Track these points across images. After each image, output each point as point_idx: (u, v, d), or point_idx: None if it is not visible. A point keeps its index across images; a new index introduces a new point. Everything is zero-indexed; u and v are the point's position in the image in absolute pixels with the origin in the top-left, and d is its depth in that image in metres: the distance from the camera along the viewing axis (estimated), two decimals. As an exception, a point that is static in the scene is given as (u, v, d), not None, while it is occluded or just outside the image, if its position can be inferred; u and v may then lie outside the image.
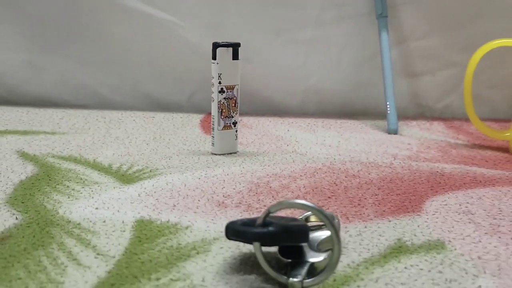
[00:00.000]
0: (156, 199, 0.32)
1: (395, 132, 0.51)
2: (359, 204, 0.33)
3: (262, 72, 0.57)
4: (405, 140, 0.49)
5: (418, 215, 0.31)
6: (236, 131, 0.43)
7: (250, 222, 0.23)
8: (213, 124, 0.42)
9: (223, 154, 0.42)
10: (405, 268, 0.25)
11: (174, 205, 0.32)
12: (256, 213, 0.31)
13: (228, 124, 0.42)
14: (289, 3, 0.55)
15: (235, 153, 0.43)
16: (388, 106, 0.52)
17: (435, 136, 0.51)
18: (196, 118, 0.55)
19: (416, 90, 0.58)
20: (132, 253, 0.25)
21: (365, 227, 0.29)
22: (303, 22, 0.56)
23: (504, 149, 0.46)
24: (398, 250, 0.27)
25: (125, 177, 0.36)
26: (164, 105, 0.58)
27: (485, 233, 0.29)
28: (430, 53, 0.56)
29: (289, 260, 0.24)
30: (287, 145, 0.46)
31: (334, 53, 0.57)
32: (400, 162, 0.41)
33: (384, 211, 0.32)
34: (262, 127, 0.52)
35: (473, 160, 0.43)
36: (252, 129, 0.51)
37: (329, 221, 0.22)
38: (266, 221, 0.23)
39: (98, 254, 0.25)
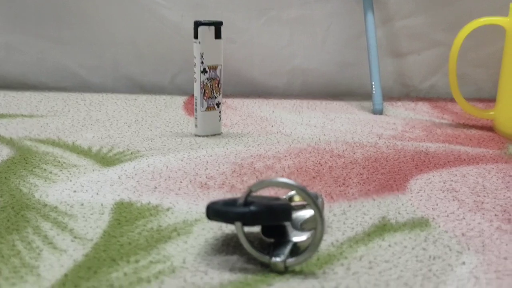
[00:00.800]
0: (137, 181, 0.32)
1: (380, 112, 0.51)
2: (343, 184, 0.32)
3: (246, 52, 0.56)
4: (390, 120, 0.49)
5: (403, 193, 0.31)
6: (220, 112, 0.42)
7: (232, 202, 0.23)
8: (196, 105, 0.41)
9: (206, 136, 0.42)
10: (389, 246, 0.25)
11: (155, 187, 0.31)
12: (240, 194, 0.30)
13: (211, 105, 0.41)
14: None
15: (219, 134, 0.42)
16: (373, 86, 0.52)
17: (420, 116, 0.50)
18: (180, 100, 0.54)
19: (401, 70, 0.58)
20: (110, 235, 0.25)
21: (350, 206, 0.29)
22: (287, 1, 0.55)
23: (488, 128, 0.47)
24: (382, 228, 0.26)
25: (105, 160, 0.35)
26: (146, 87, 0.57)
27: (469, 210, 0.29)
28: (415, 33, 0.56)
29: (272, 240, 0.23)
30: (272, 126, 0.45)
31: (319, 33, 0.56)
32: (385, 142, 0.41)
33: (368, 190, 0.31)
34: (247, 109, 0.51)
35: (457, 139, 0.43)
36: (236, 111, 0.50)
37: (312, 200, 0.22)
38: (248, 200, 0.22)
39: (75, 237, 0.25)
